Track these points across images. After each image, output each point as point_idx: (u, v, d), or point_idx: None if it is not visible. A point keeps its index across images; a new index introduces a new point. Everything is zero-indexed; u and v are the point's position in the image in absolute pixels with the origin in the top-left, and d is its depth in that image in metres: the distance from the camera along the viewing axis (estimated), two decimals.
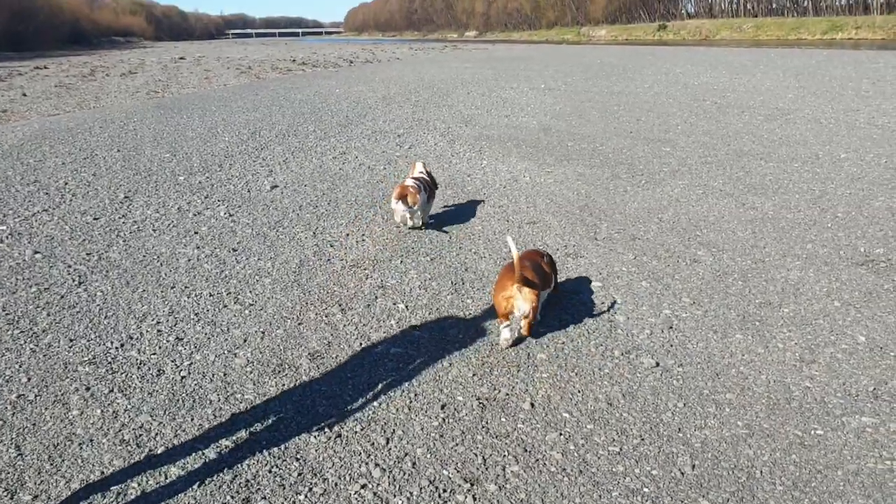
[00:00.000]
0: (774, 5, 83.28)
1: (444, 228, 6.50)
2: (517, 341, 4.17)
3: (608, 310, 4.64)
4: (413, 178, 6.41)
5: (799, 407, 3.45)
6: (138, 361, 3.96)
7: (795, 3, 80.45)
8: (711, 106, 14.91)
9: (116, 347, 4.13)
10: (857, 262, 5.46)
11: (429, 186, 6.44)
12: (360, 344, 4.17)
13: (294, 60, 36.86)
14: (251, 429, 3.29)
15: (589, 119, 13.36)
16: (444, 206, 7.25)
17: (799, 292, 4.89)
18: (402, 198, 6.09)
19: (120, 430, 3.27)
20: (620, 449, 3.14)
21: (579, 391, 3.63)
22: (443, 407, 3.47)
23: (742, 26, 75.36)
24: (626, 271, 5.36)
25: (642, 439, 3.21)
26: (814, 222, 6.50)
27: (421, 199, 6.16)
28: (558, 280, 4.84)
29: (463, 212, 7.07)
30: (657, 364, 3.90)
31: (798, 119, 12.77)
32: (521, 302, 3.96)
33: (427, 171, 6.62)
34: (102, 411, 3.44)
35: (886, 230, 6.21)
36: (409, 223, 6.42)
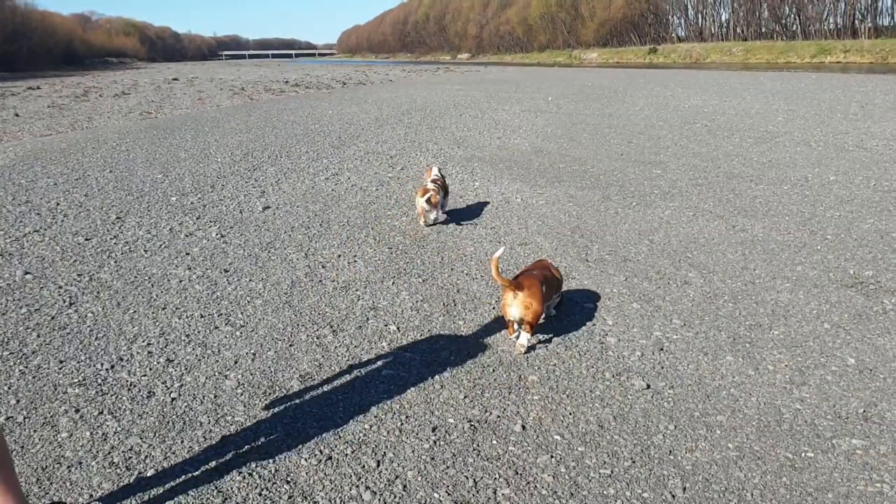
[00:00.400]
0: (764, 29, 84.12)
1: (458, 222, 6.52)
2: (530, 349, 4.28)
3: (599, 331, 4.65)
4: (431, 180, 7.37)
5: (789, 429, 3.46)
6: (128, 383, 3.94)
7: (784, 27, 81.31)
8: (702, 129, 15.02)
9: (107, 369, 4.12)
10: (846, 284, 5.49)
11: (443, 188, 7.43)
12: (351, 366, 4.17)
13: (287, 82, 37.02)
14: (241, 451, 3.27)
15: (580, 141, 13.44)
16: (437, 228, 7.26)
17: (789, 314, 4.91)
18: (426, 196, 7.11)
19: (109, 453, 3.25)
20: (611, 472, 3.14)
21: (570, 413, 3.63)
22: (434, 429, 3.47)
23: (732, 50, 76.06)
24: (618, 293, 5.37)
25: (633, 462, 3.20)
26: (803, 244, 6.54)
27: (439, 199, 7.23)
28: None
29: (454, 233, 7.09)
30: (648, 386, 3.91)
31: (787, 142, 12.88)
32: (514, 308, 4.21)
33: (441, 175, 7.51)
34: (92, 434, 3.42)
35: (875, 252, 6.25)
36: (430, 219, 7.36)
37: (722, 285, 5.51)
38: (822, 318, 4.84)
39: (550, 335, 4.58)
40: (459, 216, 7.75)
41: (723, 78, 36.38)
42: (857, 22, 74.22)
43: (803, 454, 3.25)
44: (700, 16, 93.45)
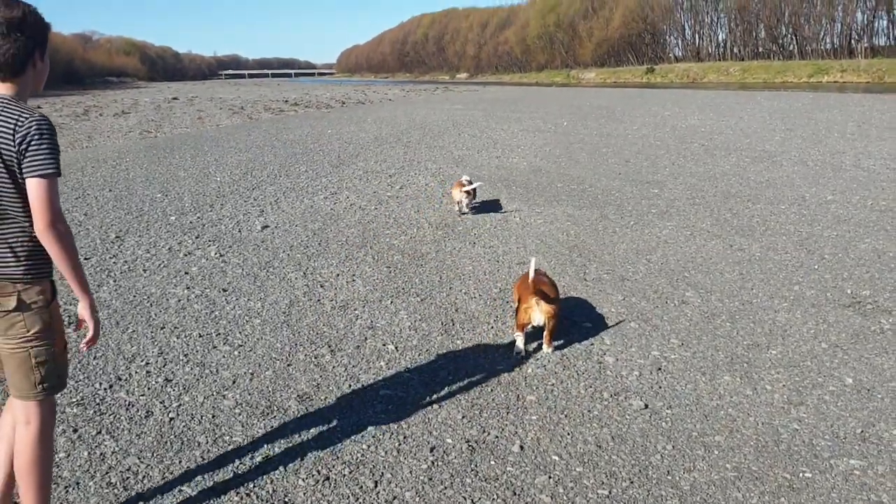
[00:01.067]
0: (761, 49, 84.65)
1: (456, 241, 6.54)
2: (532, 352, 4.24)
3: (597, 351, 4.66)
4: (465, 180, 8.92)
5: (787, 449, 3.46)
6: (127, 403, 3.94)
7: (781, 46, 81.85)
8: (699, 148, 15.09)
9: (105, 388, 4.11)
10: (843, 303, 5.51)
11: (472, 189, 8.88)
12: (350, 385, 4.17)
13: (287, 101, 37.20)
14: (239, 471, 3.26)
15: (578, 160, 13.50)
16: (436, 247, 7.28)
17: (786, 334, 4.92)
18: (462, 189, 8.68)
19: (107, 473, 3.25)
20: (609, 492, 3.13)
21: (569, 433, 3.62)
22: (432, 450, 3.46)
23: (729, 69, 76.48)
24: (616, 312, 5.38)
25: (631, 482, 3.20)
26: (801, 264, 6.56)
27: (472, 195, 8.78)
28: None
29: (453, 252, 7.11)
30: (646, 406, 3.91)
31: (784, 161, 12.94)
32: (538, 314, 4.42)
33: (469, 181, 8.91)
34: (90, 453, 3.41)
35: (873, 272, 6.27)
36: (465, 208, 8.87)
37: (720, 305, 5.52)
38: (820, 337, 4.85)
39: (539, 340, 4.59)
40: (458, 235, 7.77)
41: (720, 97, 36.58)
42: (853, 42, 74.78)
43: (801, 475, 3.25)
44: (697, 36, 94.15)
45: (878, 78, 58.32)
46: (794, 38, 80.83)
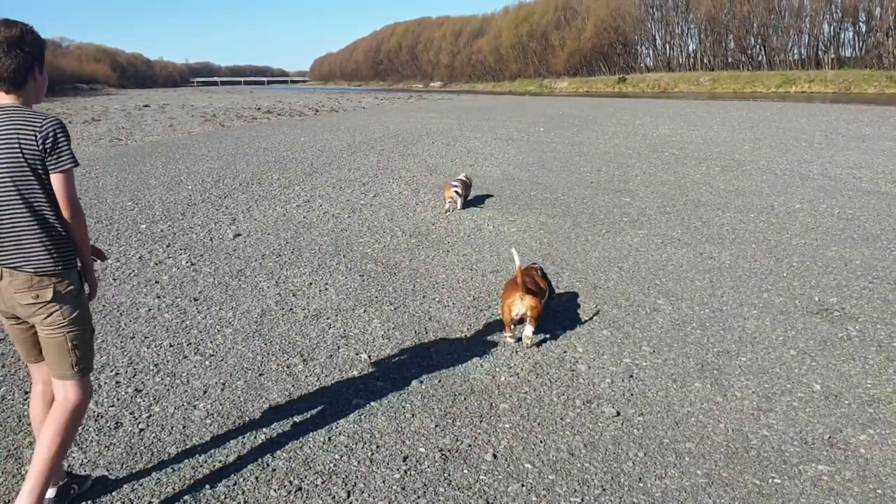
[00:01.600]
0: (730, 60, 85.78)
1: (430, 249, 6.53)
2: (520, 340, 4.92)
3: (570, 359, 4.68)
4: (458, 179, 9.97)
5: (757, 455, 3.50)
6: (95, 414, 3.89)
7: (750, 57, 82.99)
8: (670, 157, 15.25)
9: None
10: (811, 311, 5.59)
11: (465, 186, 9.93)
12: (322, 395, 4.15)
13: (259, 108, 37.02)
14: (210, 482, 3.23)
15: (551, 169, 13.58)
16: (409, 255, 7.28)
17: (756, 341, 4.98)
18: (453, 189, 9.68)
19: None
20: (582, 499, 3.14)
21: (541, 441, 3.64)
22: (405, 459, 3.46)
23: (699, 80, 77.38)
24: (588, 320, 5.41)
25: (603, 489, 3.22)
26: (770, 272, 6.64)
27: (463, 193, 9.75)
28: (553, 289, 5.55)
29: (426, 260, 7.11)
30: (618, 413, 3.93)
31: (753, 170, 13.11)
32: (521, 307, 4.75)
33: (467, 177, 10.19)
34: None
35: (840, 280, 6.37)
36: (457, 206, 9.64)
37: (690, 312, 5.57)
38: (789, 344, 4.92)
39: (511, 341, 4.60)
40: (432, 243, 7.78)
41: (690, 107, 37.02)
42: (820, 53, 76.05)
43: (771, 480, 3.29)
44: (668, 46, 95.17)
45: (845, 88, 59.39)
46: (762, 49, 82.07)
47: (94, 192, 10.93)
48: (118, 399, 4.07)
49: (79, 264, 2.85)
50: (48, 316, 2.73)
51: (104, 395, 4.12)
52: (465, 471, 3.36)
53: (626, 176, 12.65)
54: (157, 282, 6.36)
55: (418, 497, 3.15)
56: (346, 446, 3.57)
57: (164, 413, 3.90)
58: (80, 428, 3.68)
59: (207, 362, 4.60)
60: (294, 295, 6.02)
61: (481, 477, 3.31)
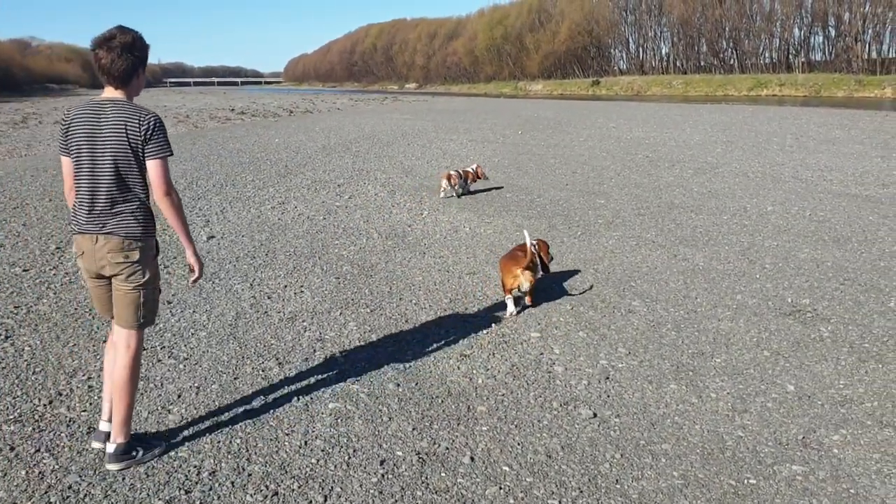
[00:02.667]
0: (702, 63, 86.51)
1: (406, 252, 6.51)
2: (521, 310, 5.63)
3: (547, 360, 4.69)
4: (462, 170, 11.11)
5: (732, 456, 3.52)
6: (67, 419, 3.83)
7: (722, 60, 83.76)
8: (643, 159, 15.36)
9: (45, 404, 3.99)
10: (784, 312, 5.65)
11: (464, 176, 10.96)
12: (298, 399, 4.11)
13: (233, 109, 36.76)
14: (185, 488, 3.19)
15: (526, 171, 13.61)
16: (386, 258, 7.26)
17: (730, 342, 5.02)
18: (447, 178, 10.78)
19: (46, 493, 3.14)
20: (559, 502, 3.15)
21: (519, 444, 3.64)
22: (382, 462, 3.44)
23: (672, 83, 77.95)
24: (564, 322, 5.43)
25: (581, 491, 3.22)
26: (743, 273, 6.71)
27: (459, 182, 10.83)
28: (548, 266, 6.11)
29: (403, 262, 7.09)
30: (595, 415, 3.94)
31: (726, 173, 13.24)
32: (524, 282, 5.46)
33: (477, 169, 11.19)
34: (28, 472, 3.30)
35: (812, 281, 6.45)
36: (452, 194, 10.75)
37: (665, 314, 5.61)
38: (762, 345, 4.97)
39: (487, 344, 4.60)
40: (408, 245, 7.76)
41: (663, 110, 37.31)
42: (791, 57, 76.96)
43: (746, 481, 3.31)
44: (641, 49, 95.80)
45: (815, 92, 60.15)
46: (734, 52, 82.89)
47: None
48: (91, 404, 4.01)
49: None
50: (132, 274, 3.28)
51: (76, 399, 4.06)
52: (443, 474, 3.35)
53: (600, 178, 12.72)
54: None
55: (396, 501, 3.14)
56: (322, 450, 3.54)
57: (138, 418, 3.84)
58: (49, 436, 3.64)
59: (181, 366, 4.55)
60: (269, 297, 5.97)
61: (459, 480, 3.30)
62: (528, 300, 5.72)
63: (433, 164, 14.69)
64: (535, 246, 5.91)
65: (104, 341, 4.13)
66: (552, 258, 6.27)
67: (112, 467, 3.32)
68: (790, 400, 4.15)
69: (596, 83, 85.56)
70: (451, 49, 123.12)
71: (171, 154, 3.27)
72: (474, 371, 4.53)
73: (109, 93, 3.26)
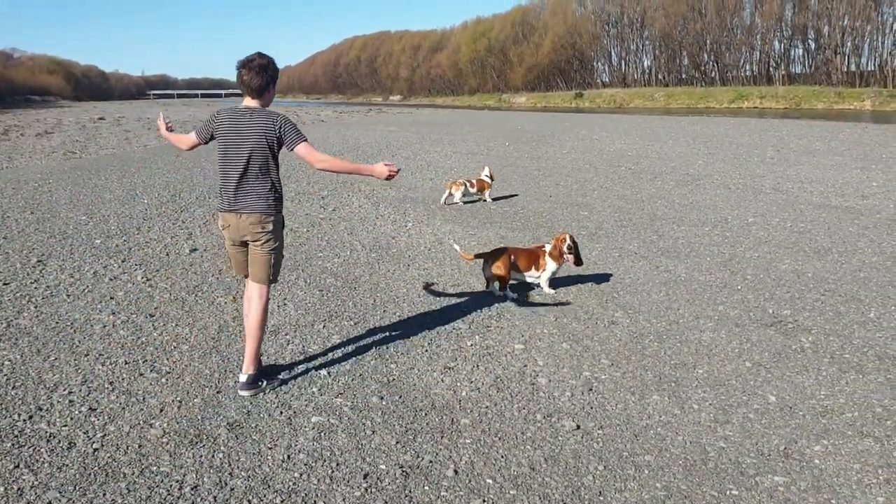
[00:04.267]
0: (684, 76, 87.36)
1: (390, 263, 6.51)
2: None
3: (531, 372, 4.70)
4: (467, 180, 11.42)
5: (715, 468, 3.54)
6: (48, 434, 3.79)
7: (704, 73, 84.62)
8: (626, 172, 15.46)
9: (24, 419, 3.95)
10: (766, 323, 5.69)
11: (470, 184, 11.32)
12: (281, 412, 4.10)
13: None
14: (167, 503, 3.17)
15: (510, 183, 13.66)
16: (370, 270, 7.25)
17: (712, 353, 5.05)
18: (451, 186, 11.21)
19: None
20: None
21: (503, 456, 3.64)
22: (365, 476, 3.43)
23: (654, 95, 78.63)
24: (548, 333, 5.45)
25: None
26: (724, 284, 6.76)
27: (463, 189, 11.14)
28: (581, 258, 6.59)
29: (387, 274, 7.09)
30: (578, 427, 3.95)
31: (708, 185, 13.35)
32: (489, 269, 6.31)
33: (490, 174, 11.70)
34: (6, 489, 3.26)
35: (793, 292, 6.50)
36: (453, 200, 11.14)
37: (647, 325, 5.64)
38: (744, 356, 5.00)
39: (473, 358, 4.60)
40: (392, 257, 7.76)
41: (646, 122, 37.59)
42: (771, 69, 77.89)
43: (728, 492, 3.33)
44: (623, 62, 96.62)
45: (795, 104, 60.86)
46: (715, 65, 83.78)
47: (48, 205, 10.71)
48: (71, 418, 3.97)
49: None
50: (266, 241, 4.24)
51: (57, 414, 4.02)
52: (427, 487, 3.34)
53: (583, 190, 12.79)
54: (112, 298, 6.24)
55: None
56: (305, 464, 3.53)
57: (120, 432, 3.82)
58: (29, 451, 3.60)
59: (164, 379, 4.52)
60: None
61: (443, 493, 3.29)
62: (500, 286, 6.34)
63: (417, 175, 14.72)
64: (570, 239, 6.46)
65: (234, 298, 5.08)
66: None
67: (244, 393, 4.28)
68: (772, 411, 4.18)
69: (579, 95, 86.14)
70: (436, 61, 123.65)
71: (306, 139, 4.19)
72: (458, 383, 4.53)
73: (249, 102, 4.26)
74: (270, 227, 4.21)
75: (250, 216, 4.18)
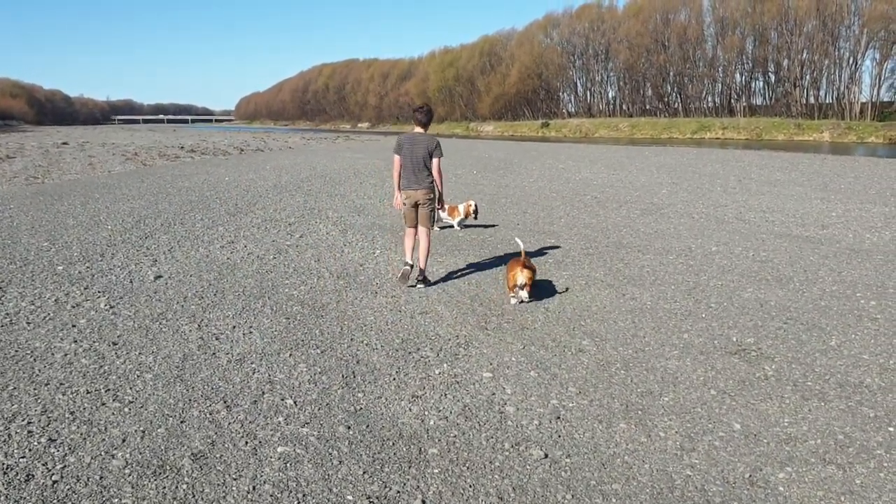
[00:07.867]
0: (648, 106, 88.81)
1: (358, 291, 6.47)
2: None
3: (499, 400, 4.70)
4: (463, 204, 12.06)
5: (681, 496, 3.56)
6: (4, 466, 3.70)
7: (667, 104, 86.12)
8: (592, 200, 15.62)
9: None
10: (730, 351, 5.76)
11: (462, 211, 11.81)
12: (246, 442, 4.04)
13: (183, 147, 36.41)
14: None
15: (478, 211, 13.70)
16: (336, 297, 7.22)
17: (677, 381, 5.10)
18: (448, 212, 11.68)
19: None
20: None
21: (471, 486, 3.62)
22: None
23: (619, 125, 79.64)
24: (516, 361, 5.46)
25: None
26: (689, 313, 6.83)
27: (460, 216, 11.67)
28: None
29: (354, 302, 7.06)
30: (546, 455, 3.96)
31: (671, 214, 13.54)
32: (521, 277, 6.93)
33: (473, 204, 11.79)
34: None
35: (756, 320, 6.60)
36: (441, 221, 11.75)
37: (614, 353, 5.67)
38: (709, 384, 5.05)
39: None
40: (360, 285, 7.74)
41: (610, 152, 38.08)
42: (733, 101, 79.50)
43: None
44: (589, 93, 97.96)
45: (756, 135, 62.05)
46: (678, 96, 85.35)
47: (8, 231, 10.53)
48: (30, 449, 3.88)
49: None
50: (429, 203, 7.64)
51: (14, 445, 3.93)
52: None
53: (550, 218, 12.89)
54: (74, 325, 6.13)
55: None
56: (271, 495, 3.48)
57: (80, 463, 3.74)
58: None
59: (127, 409, 4.44)
60: (217, 339, 5.89)
61: None
62: (526, 293, 7.04)
63: (385, 202, 14.73)
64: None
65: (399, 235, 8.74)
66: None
67: (422, 286, 7.65)
68: (737, 438, 4.22)
69: (545, 125, 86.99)
70: (404, 89, 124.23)
71: (442, 155, 7.69)
72: (426, 412, 4.51)
73: (418, 128, 7.71)
74: (432, 195, 7.62)
75: (420, 189, 7.55)
